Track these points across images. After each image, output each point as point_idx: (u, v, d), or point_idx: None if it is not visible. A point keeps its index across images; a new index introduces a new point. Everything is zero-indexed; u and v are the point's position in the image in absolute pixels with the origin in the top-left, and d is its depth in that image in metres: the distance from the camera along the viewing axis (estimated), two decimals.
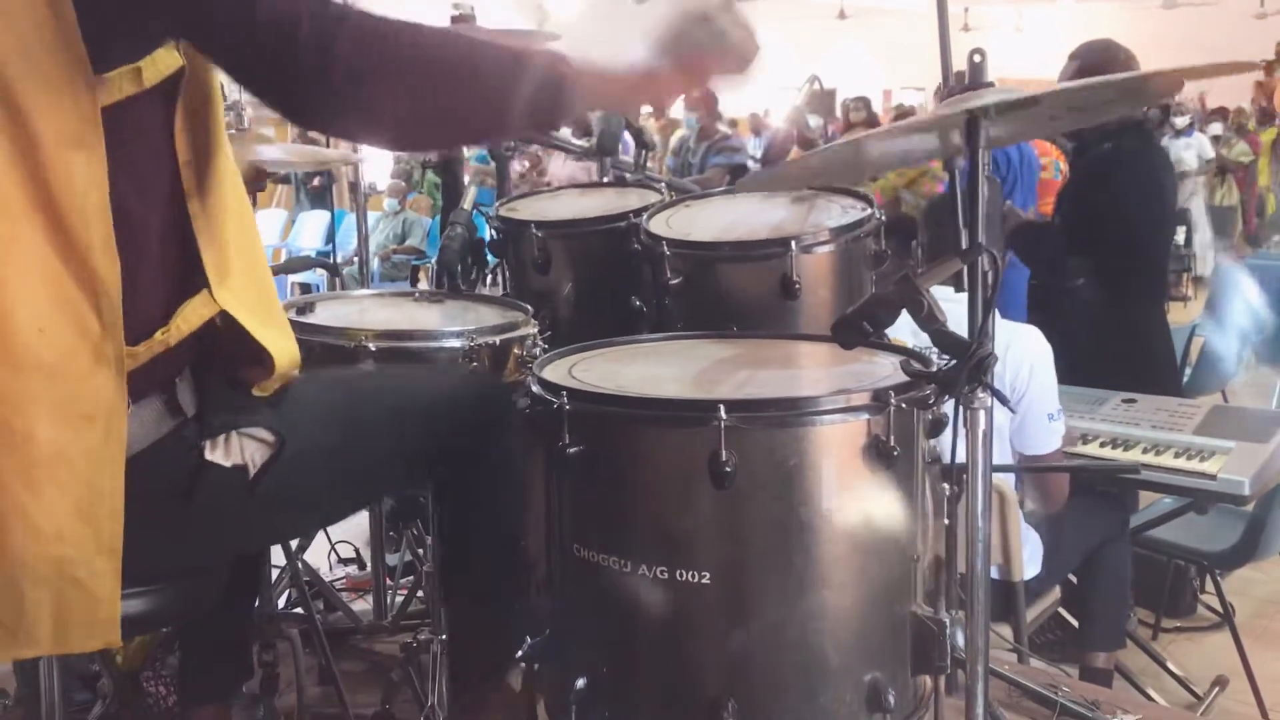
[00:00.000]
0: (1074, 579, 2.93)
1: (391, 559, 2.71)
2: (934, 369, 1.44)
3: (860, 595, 1.38)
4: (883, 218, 1.89)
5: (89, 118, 1.21)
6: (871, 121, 10.40)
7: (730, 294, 1.87)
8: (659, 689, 1.40)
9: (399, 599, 2.63)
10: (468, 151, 2.24)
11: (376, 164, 10.14)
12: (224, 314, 1.36)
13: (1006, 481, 2.42)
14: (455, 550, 1.73)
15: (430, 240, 10.43)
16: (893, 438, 1.35)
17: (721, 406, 1.29)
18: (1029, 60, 11.14)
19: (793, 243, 1.78)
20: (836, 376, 1.54)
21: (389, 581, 2.64)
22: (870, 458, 1.35)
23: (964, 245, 1.41)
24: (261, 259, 1.46)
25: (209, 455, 1.37)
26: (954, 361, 1.38)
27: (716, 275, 1.89)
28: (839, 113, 11.38)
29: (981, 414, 1.45)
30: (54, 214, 1.21)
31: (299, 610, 2.29)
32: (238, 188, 1.43)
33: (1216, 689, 3.07)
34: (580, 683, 1.43)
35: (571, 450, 1.39)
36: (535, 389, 1.48)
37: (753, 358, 1.65)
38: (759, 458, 1.32)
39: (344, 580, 2.84)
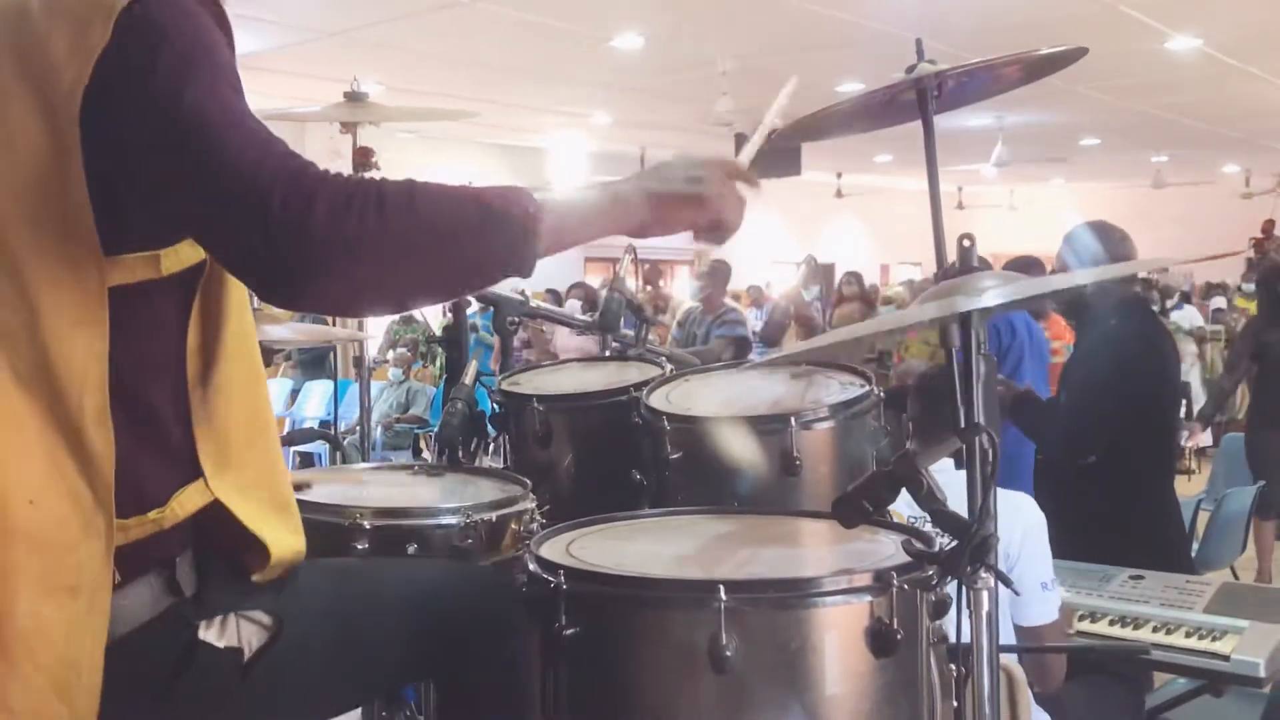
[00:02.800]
0: None
1: None
2: (936, 548, 1.42)
3: None
4: (881, 394, 1.90)
5: (94, 296, 1.22)
6: (864, 296, 10.64)
7: (730, 470, 1.87)
8: None
9: None
10: (476, 314, 2.27)
11: (375, 338, 10.29)
12: (219, 505, 1.34)
13: (1014, 661, 2.36)
14: None
15: (434, 409, 10.49)
16: (895, 619, 1.32)
17: (721, 588, 1.27)
18: (1022, 236, 11.41)
19: (792, 419, 1.79)
20: (838, 555, 1.52)
21: None
22: (873, 640, 1.32)
23: (961, 423, 1.42)
24: (274, 446, 1.45)
25: (203, 635, 1.34)
26: (955, 542, 1.36)
27: (714, 450, 1.88)
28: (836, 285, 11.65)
29: (985, 594, 1.43)
30: (50, 385, 1.22)
31: None
32: (253, 374, 1.43)
33: None
34: None
35: (568, 631, 1.36)
36: (532, 567, 1.46)
37: (754, 535, 1.63)
38: (760, 640, 1.29)
39: None
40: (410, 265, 1.22)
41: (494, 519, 1.86)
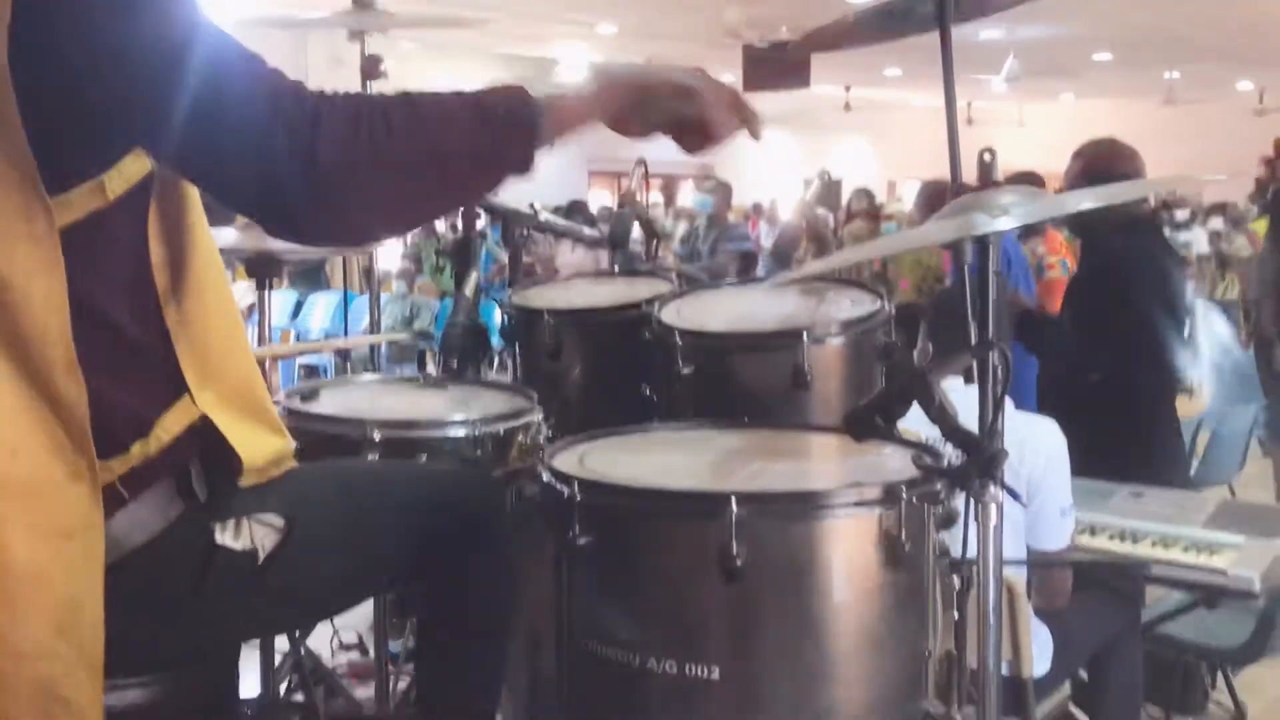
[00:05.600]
0: (1084, 675, 2.89)
1: (394, 646, 2.67)
2: (945, 463, 1.44)
3: (872, 692, 1.37)
4: (892, 310, 1.90)
5: (46, 244, 1.20)
6: (873, 212, 10.57)
7: (741, 384, 1.88)
8: None
9: (402, 686, 2.60)
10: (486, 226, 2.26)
11: (388, 248, 10.25)
12: (205, 418, 1.35)
13: (1017, 576, 2.40)
14: (438, 640, 1.69)
15: (439, 323, 10.50)
16: (904, 532, 1.35)
17: (733, 499, 1.29)
18: (1031, 152, 11.30)
19: (804, 334, 1.79)
20: (848, 469, 1.54)
21: (391, 669, 2.60)
22: (881, 552, 1.35)
23: (974, 340, 1.43)
24: (246, 354, 1.45)
25: (219, 538, 1.36)
26: (965, 456, 1.38)
27: (728, 365, 1.89)
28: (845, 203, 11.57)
29: (993, 508, 1.45)
30: (17, 339, 1.21)
31: (300, 698, 2.26)
32: (219, 284, 1.42)
33: None
34: None
35: (581, 541, 1.38)
36: (546, 478, 1.48)
37: (764, 448, 1.65)
38: (770, 551, 1.31)
39: (345, 667, 2.81)
40: (420, 182, 1.22)
41: (502, 431, 1.88)
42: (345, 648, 3.12)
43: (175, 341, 1.33)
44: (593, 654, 1.40)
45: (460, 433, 1.83)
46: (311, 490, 1.46)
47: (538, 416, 1.94)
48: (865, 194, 10.85)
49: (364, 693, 2.65)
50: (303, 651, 2.35)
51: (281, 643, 2.39)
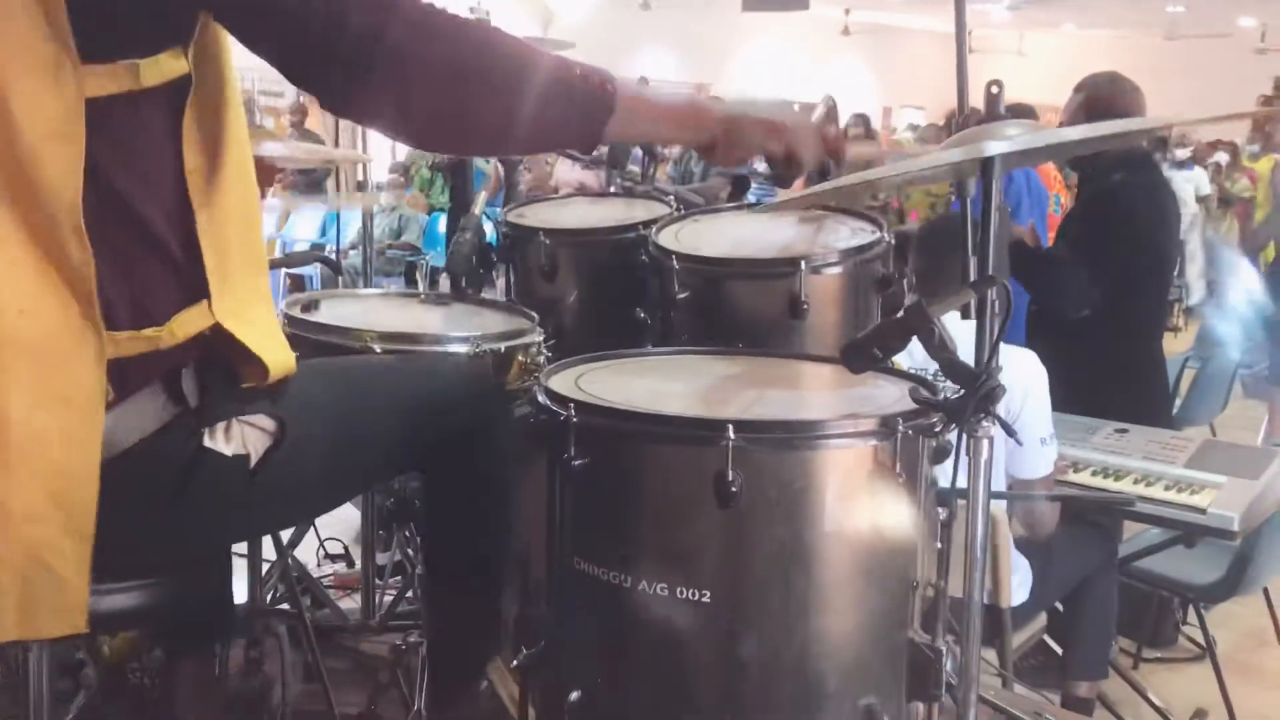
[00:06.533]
0: (1059, 607, 2.94)
1: (381, 558, 2.70)
2: (941, 396, 1.44)
3: (860, 620, 1.39)
4: (891, 240, 1.89)
5: (72, 107, 1.20)
6: (869, 139, 10.46)
7: (737, 311, 1.88)
8: (654, 707, 1.40)
9: (387, 599, 2.63)
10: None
11: (378, 160, 10.13)
12: (218, 326, 1.35)
13: (999, 507, 2.43)
14: (440, 546, 1.72)
15: (427, 237, 10.42)
16: (899, 464, 1.36)
17: (730, 427, 1.29)
18: (1031, 83, 11.18)
19: (802, 262, 1.78)
20: (844, 400, 1.55)
21: (378, 581, 2.63)
22: (875, 483, 1.36)
23: (975, 275, 1.42)
24: (263, 266, 1.45)
25: (208, 443, 1.37)
26: (962, 391, 1.38)
27: (724, 291, 1.89)
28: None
29: (985, 443, 1.46)
30: (31, 198, 1.21)
31: (286, 606, 2.29)
32: (248, 195, 1.42)
33: None
34: (574, 695, 1.42)
35: (576, 463, 1.39)
36: (541, 399, 1.48)
37: (760, 376, 1.65)
38: (765, 479, 1.32)
39: (331, 578, 2.83)
40: (482, 106, 1.24)
41: (503, 350, 1.88)
42: (331, 558, 3.15)
43: (203, 246, 1.33)
44: (584, 574, 1.41)
45: (462, 349, 1.83)
46: (302, 388, 1.46)
47: (539, 337, 1.94)
48: (862, 119, 10.73)
49: (349, 605, 2.68)
50: (290, 561, 2.37)
51: (268, 551, 2.41)
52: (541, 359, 1.96)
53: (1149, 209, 3.52)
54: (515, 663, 1.50)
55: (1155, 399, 3.71)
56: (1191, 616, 3.70)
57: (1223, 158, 12.22)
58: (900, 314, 1.40)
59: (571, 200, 2.44)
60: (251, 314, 1.39)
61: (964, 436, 1.43)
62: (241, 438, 1.39)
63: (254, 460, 1.39)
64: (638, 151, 2.26)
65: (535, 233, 2.10)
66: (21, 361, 1.21)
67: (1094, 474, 2.88)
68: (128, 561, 1.30)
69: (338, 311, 1.98)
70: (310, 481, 1.49)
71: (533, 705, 1.57)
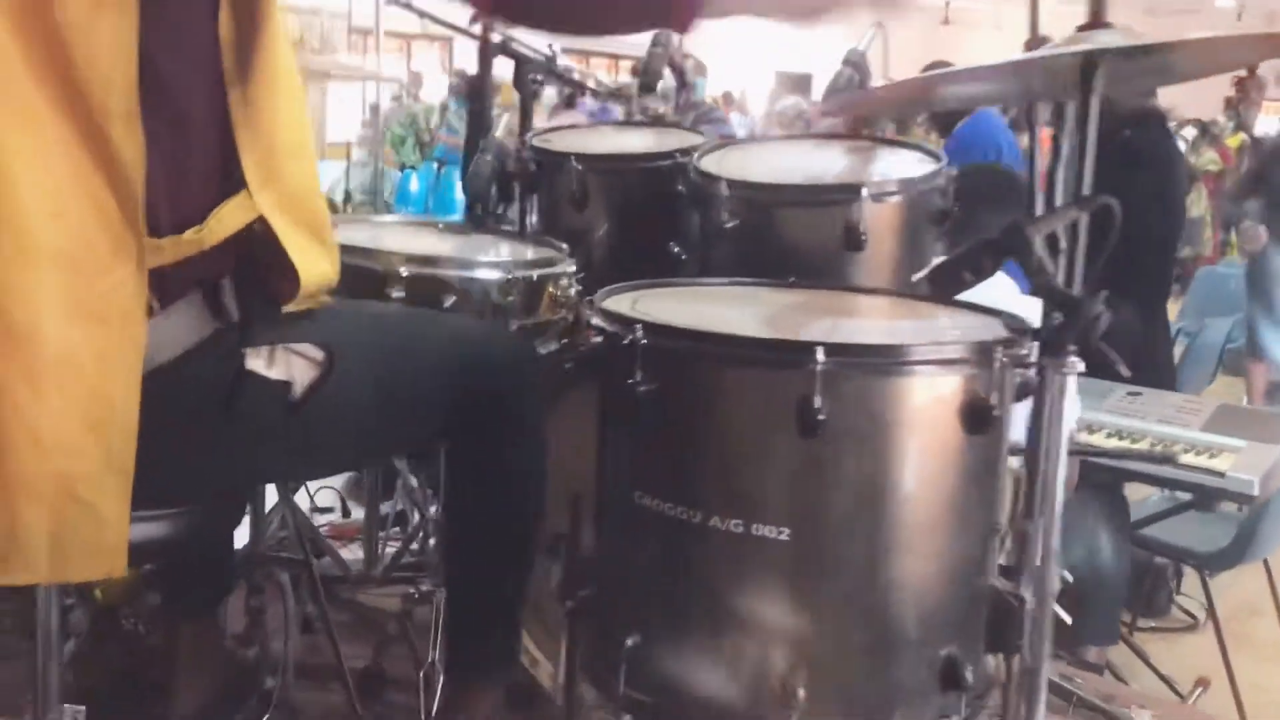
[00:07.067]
0: (1067, 575, 2.88)
1: (382, 508, 2.56)
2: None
3: (944, 564, 1.29)
4: (954, 172, 1.78)
5: None
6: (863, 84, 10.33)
7: (789, 242, 1.76)
8: (722, 651, 1.29)
9: (386, 550, 2.50)
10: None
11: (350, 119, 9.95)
12: (262, 221, 1.24)
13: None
14: (469, 503, 1.60)
15: (399, 194, 10.24)
16: (994, 395, 1.25)
17: (819, 349, 1.18)
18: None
19: (863, 190, 1.67)
20: (924, 330, 1.44)
21: (381, 533, 2.51)
22: (967, 416, 1.25)
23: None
24: (311, 162, 1.33)
25: (251, 364, 1.24)
26: (1058, 320, 1.28)
27: (776, 221, 1.77)
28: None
29: (1071, 379, 1.36)
30: (72, 80, 1.08)
31: (289, 555, 2.16)
32: (290, 81, 1.30)
33: (1200, 690, 3.04)
34: (631, 640, 1.31)
35: (643, 389, 1.27)
36: (599, 322, 1.36)
37: (824, 307, 1.54)
38: (853, 407, 1.21)
39: (326, 528, 2.70)
40: None
41: (535, 278, 1.75)
42: (319, 510, 3.01)
43: (236, 129, 1.21)
44: (645, 509, 1.30)
45: (492, 276, 1.70)
46: (349, 328, 1.34)
47: (571, 268, 1.81)
48: (857, 61, 10.58)
49: (346, 556, 2.55)
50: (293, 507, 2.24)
51: (269, 497, 2.28)
52: (573, 292, 1.83)
53: (1160, 168, 3.46)
54: (566, 605, 1.39)
55: (1160, 364, 3.66)
56: (1185, 586, 3.67)
57: (1190, 132, 12.25)
58: (996, 234, 1.29)
59: (597, 128, 2.31)
60: (299, 209, 1.27)
61: (1047, 373, 1.34)
62: (286, 365, 1.27)
63: (297, 391, 1.27)
64: (668, 75, 2.13)
65: (566, 158, 1.97)
66: (53, 272, 1.08)
67: (1109, 436, 2.81)
68: (151, 488, 1.17)
69: (356, 234, 1.84)
70: (349, 429, 1.37)
71: (577, 653, 1.45)
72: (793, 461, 1.23)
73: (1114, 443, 2.81)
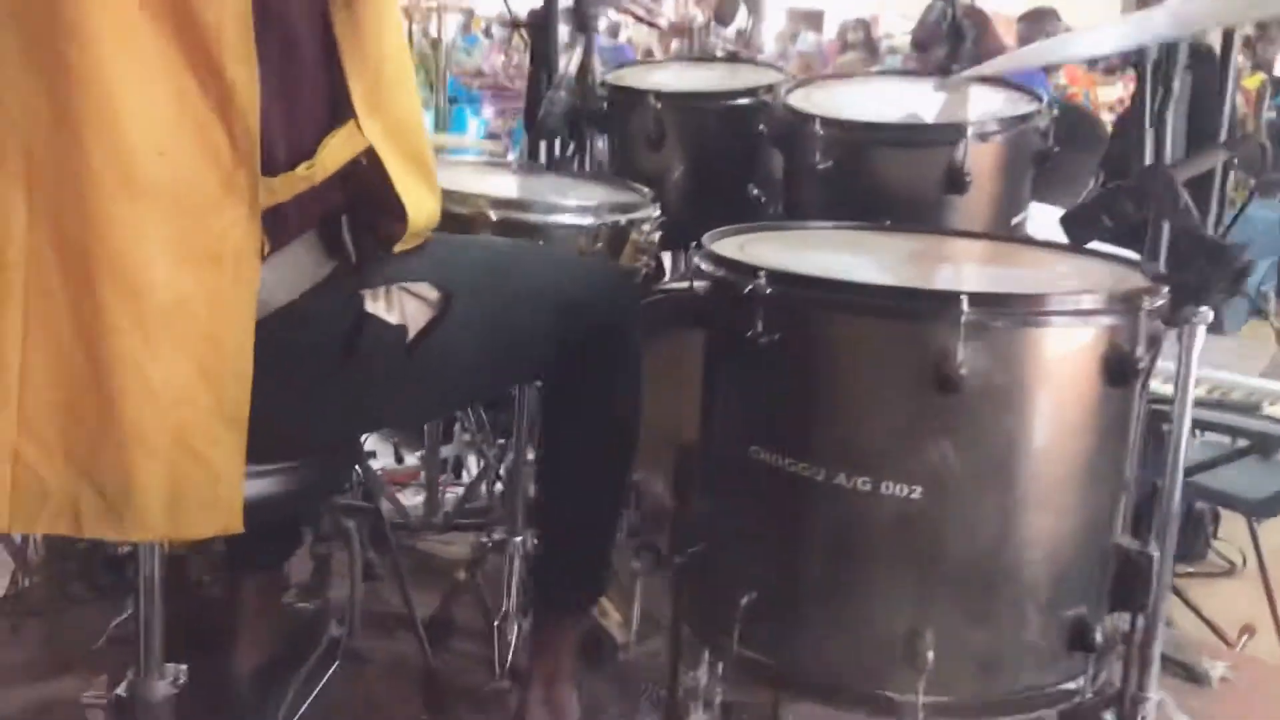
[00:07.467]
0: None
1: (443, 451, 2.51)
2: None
3: (1077, 521, 1.24)
4: (1056, 112, 1.71)
5: None
6: (869, 45, 10.15)
7: (887, 184, 1.69)
8: (844, 611, 1.24)
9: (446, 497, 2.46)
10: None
11: None
12: (369, 154, 1.17)
13: None
14: (569, 436, 1.56)
15: None
16: (1138, 347, 1.20)
17: (964, 299, 1.12)
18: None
19: (969, 129, 1.60)
20: (1053, 278, 1.37)
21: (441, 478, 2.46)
22: (1109, 368, 1.20)
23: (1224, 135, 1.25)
24: (414, 92, 1.27)
25: (370, 307, 1.19)
26: (1207, 265, 1.22)
27: (873, 162, 1.70)
28: (835, 35, 11.13)
29: (1201, 330, 1.31)
30: (181, 7, 1.01)
31: (353, 502, 2.11)
32: (395, 13, 1.24)
33: (1246, 636, 3.03)
34: (747, 599, 1.27)
35: (764, 340, 1.21)
36: (710, 267, 1.30)
37: (935, 253, 1.48)
38: (994, 359, 1.15)
39: (381, 473, 2.65)
40: None
41: (623, 222, 1.68)
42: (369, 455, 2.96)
43: (344, 55, 1.15)
44: (764, 465, 1.25)
45: (584, 221, 1.63)
46: (461, 263, 1.29)
47: (655, 211, 1.74)
48: (861, 24, 10.41)
49: (405, 501, 2.51)
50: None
51: None
52: (656, 237, 1.77)
53: (1209, 103, 3.37)
54: (676, 562, 1.34)
55: None
56: (1222, 531, 3.64)
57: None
58: (1136, 178, 1.23)
59: (667, 64, 2.22)
60: (403, 147, 1.22)
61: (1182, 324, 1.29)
62: (401, 306, 1.21)
63: (412, 332, 1.22)
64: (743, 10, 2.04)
65: (643, 96, 1.89)
66: (163, 214, 1.02)
67: (1165, 381, 2.76)
68: (266, 439, 1.12)
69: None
70: (463, 367, 1.33)
71: (682, 615, 1.41)
72: (928, 417, 1.17)
73: (1168, 389, 2.77)
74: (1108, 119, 4.22)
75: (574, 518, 1.58)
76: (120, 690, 1.23)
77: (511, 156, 3.90)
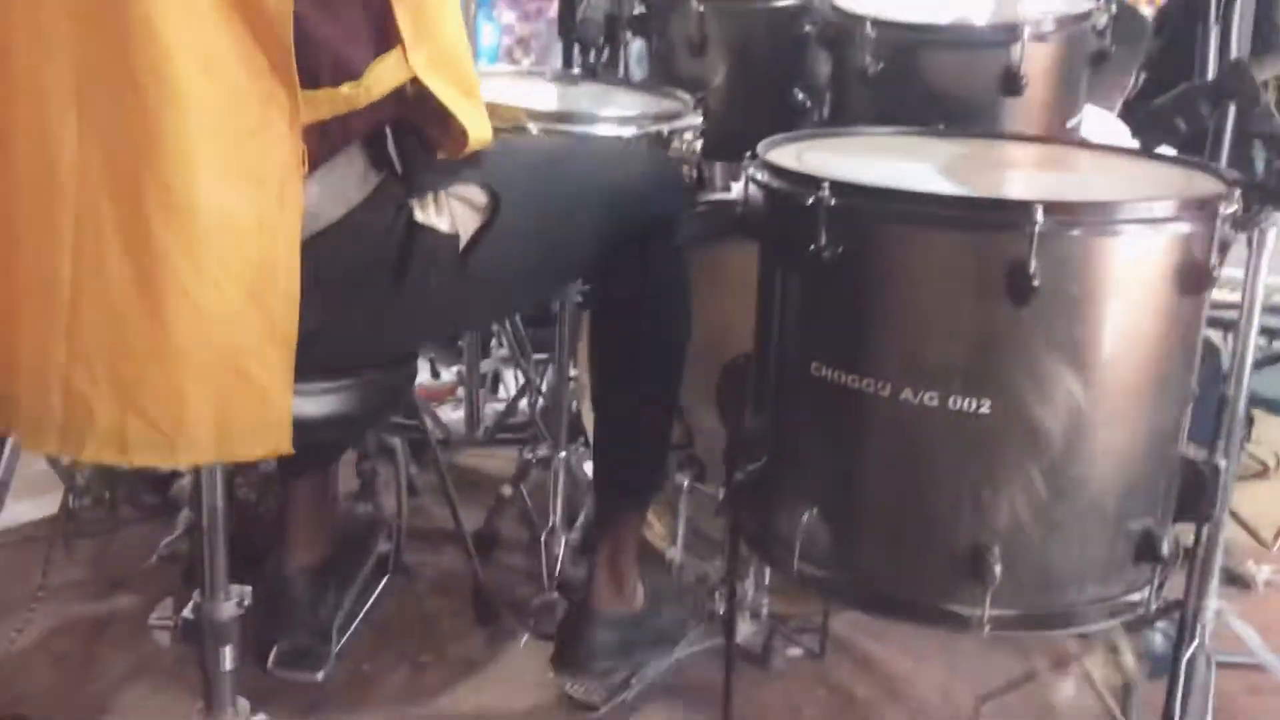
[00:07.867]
0: None
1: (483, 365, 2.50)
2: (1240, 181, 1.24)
3: (1145, 433, 1.22)
4: (1114, 11, 1.64)
5: None
6: None
7: (940, 87, 1.63)
8: (910, 527, 1.23)
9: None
10: None
11: None
12: (415, 82, 1.15)
13: None
14: (621, 328, 1.56)
15: None
16: (1212, 255, 1.16)
17: (1039, 208, 1.08)
18: None
19: (1025, 29, 1.54)
20: (1125, 184, 1.33)
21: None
22: (1183, 276, 1.16)
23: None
24: (460, 23, 1.23)
25: (420, 217, 1.18)
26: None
27: (927, 64, 1.64)
28: None
29: (1272, 233, 1.27)
30: None
31: (398, 419, 2.11)
32: None
33: None
34: (809, 515, 1.26)
35: (827, 254, 1.18)
36: (767, 178, 1.26)
37: (997, 158, 1.44)
38: (1067, 270, 1.12)
39: (416, 390, 2.64)
40: None
41: (665, 132, 1.64)
42: None
43: None
44: (826, 381, 1.22)
45: (626, 131, 1.59)
46: (507, 166, 1.27)
47: (697, 119, 1.70)
48: None
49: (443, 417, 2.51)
50: None
51: None
52: (698, 146, 1.73)
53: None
54: (736, 478, 1.33)
55: None
56: (1255, 434, 3.62)
57: None
58: (1214, 77, 1.18)
59: None
60: (452, 68, 1.19)
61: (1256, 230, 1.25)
62: (450, 213, 1.19)
63: (464, 240, 1.20)
64: None
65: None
66: (205, 132, 1.00)
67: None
68: (319, 358, 1.10)
69: None
70: (517, 269, 1.32)
71: (740, 530, 1.40)
72: (999, 330, 1.15)
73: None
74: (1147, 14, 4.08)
75: (630, 409, 1.60)
76: (187, 612, 1.24)
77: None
